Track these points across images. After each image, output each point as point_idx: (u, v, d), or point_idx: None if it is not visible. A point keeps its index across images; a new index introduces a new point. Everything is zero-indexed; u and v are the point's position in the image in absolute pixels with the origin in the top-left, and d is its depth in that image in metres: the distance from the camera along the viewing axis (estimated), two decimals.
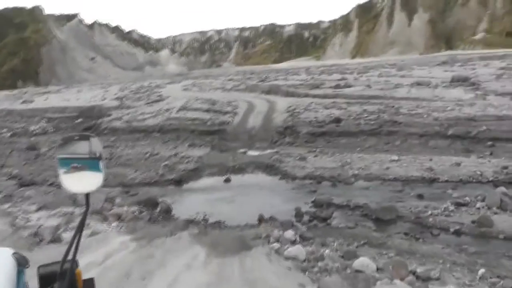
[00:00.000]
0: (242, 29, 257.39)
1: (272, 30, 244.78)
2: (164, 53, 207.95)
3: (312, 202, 10.91)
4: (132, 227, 9.28)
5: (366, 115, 21.02)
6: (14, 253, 1.75)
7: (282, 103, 27.70)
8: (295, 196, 11.65)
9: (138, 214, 10.40)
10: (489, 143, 15.76)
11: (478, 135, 16.52)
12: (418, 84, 29.33)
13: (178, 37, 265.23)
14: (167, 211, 10.63)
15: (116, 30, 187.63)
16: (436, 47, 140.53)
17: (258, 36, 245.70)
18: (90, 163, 1.54)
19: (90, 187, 1.55)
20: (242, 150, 17.55)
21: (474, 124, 17.84)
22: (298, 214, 10.01)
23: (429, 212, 9.70)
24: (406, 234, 8.85)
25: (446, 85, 28.54)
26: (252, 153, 17.16)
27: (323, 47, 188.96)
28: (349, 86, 32.03)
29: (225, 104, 28.92)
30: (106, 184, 13.93)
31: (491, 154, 14.66)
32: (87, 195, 1.55)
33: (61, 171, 1.54)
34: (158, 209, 10.83)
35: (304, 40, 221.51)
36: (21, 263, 1.74)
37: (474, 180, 12.27)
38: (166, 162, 15.64)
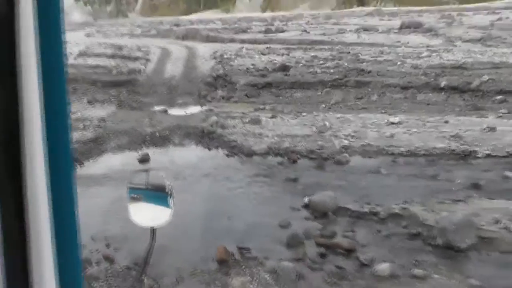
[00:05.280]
0: None
1: None
2: (68, 1, 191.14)
3: (305, 206, 5.88)
4: None
5: (320, 62, 16.20)
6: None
7: (204, 49, 22.36)
8: (267, 192, 6.55)
9: None
10: (499, 97, 11.67)
11: (482, 87, 12.28)
12: (365, 29, 25.01)
13: None
14: None
15: None
16: (348, 3, 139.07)
17: None
18: (159, 196, 1.53)
19: (157, 222, 1.51)
20: (160, 108, 12.03)
21: (467, 73, 13.63)
22: (293, 241, 4.95)
23: None
24: None
25: (397, 31, 24.44)
26: (176, 112, 11.77)
27: (232, 0, 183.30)
28: (283, 31, 27.15)
29: (134, 49, 23.11)
30: None
31: (509, 112, 10.52)
32: (153, 230, 1.50)
33: (129, 200, 1.52)
34: None
35: None
36: None
37: None
38: None
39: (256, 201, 6.21)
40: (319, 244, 4.89)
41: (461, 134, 8.69)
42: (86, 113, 11.51)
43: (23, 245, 0.62)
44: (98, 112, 11.72)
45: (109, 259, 4.79)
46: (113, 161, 8.26)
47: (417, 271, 4.26)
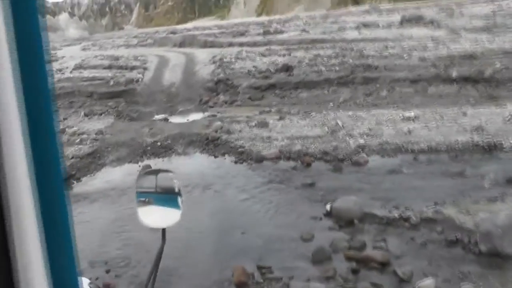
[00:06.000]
0: None
1: None
2: (63, 17, 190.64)
3: (327, 214, 5.31)
4: None
5: (324, 60, 15.65)
6: (90, 283, 1.74)
7: (202, 54, 21.79)
8: (282, 201, 5.98)
9: None
10: None
11: (495, 76, 11.72)
12: (365, 25, 24.46)
13: None
14: None
15: None
16: (343, 3, 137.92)
17: None
18: (168, 198, 1.51)
19: (167, 222, 1.47)
20: (161, 116, 11.53)
21: (478, 62, 13.06)
22: (320, 256, 4.38)
23: None
24: None
25: (398, 25, 23.87)
26: (177, 119, 11.25)
27: (227, 7, 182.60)
28: (281, 32, 26.58)
29: (131, 58, 22.58)
30: None
31: None
32: (164, 230, 1.45)
33: (137, 204, 1.50)
34: None
35: (207, 0, 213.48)
36: None
37: None
38: None
39: (272, 212, 5.63)
40: (349, 258, 4.33)
41: (483, 126, 8.14)
42: (83, 127, 11.04)
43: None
44: (96, 124, 11.25)
45: None
46: (112, 176, 7.71)
47: (467, 287, 3.69)
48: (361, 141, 7.90)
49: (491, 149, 7.40)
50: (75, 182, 7.65)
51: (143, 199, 1.50)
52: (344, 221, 5.07)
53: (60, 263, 0.63)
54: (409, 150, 7.54)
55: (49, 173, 0.62)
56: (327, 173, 6.88)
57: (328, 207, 5.34)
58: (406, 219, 5.02)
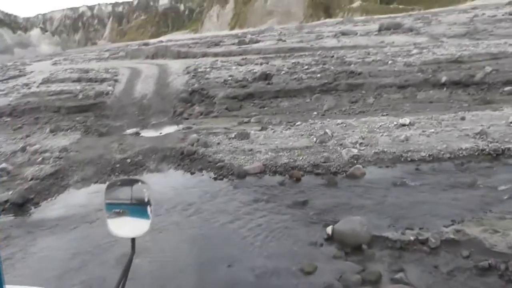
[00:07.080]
0: (115, 4, 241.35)
1: (146, 5, 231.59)
2: (35, 32, 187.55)
3: (328, 239, 4.43)
4: None
5: (304, 68, 14.92)
6: None
7: (176, 65, 20.98)
8: (273, 223, 5.07)
9: None
10: (507, 88, 10.57)
11: (486, 80, 11.11)
12: (343, 34, 23.99)
13: (48, 14, 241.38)
14: None
15: None
16: (315, 16, 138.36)
17: (132, 11, 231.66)
18: (138, 208, 1.46)
19: (136, 232, 1.44)
20: (132, 131, 10.57)
21: (466, 66, 12.51)
22: None
23: None
24: None
25: (377, 33, 23.45)
26: (150, 133, 10.32)
27: (200, 20, 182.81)
28: (257, 42, 25.90)
29: (102, 71, 21.55)
30: None
31: None
32: (133, 240, 1.43)
33: (107, 214, 1.47)
34: None
35: (180, 14, 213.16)
36: None
37: None
38: (2, 165, 8.23)
39: (262, 237, 4.71)
40: None
41: (486, 131, 7.41)
42: (47, 143, 10.02)
43: None
44: (61, 141, 10.22)
45: None
46: (75, 199, 6.72)
47: None
48: (354, 151, 7.08)
49: (498, 155, 6.68)
50: (32, 207, 6.65)
51: (118, 210, 1.44)
52: (350, 247, 4.20)
53: None
54: (409, 159, 6.75)
55: None
56: (320, 189, 6.02)
57: (329, 230, 4.46)
58: (424, 242, 4.17)
